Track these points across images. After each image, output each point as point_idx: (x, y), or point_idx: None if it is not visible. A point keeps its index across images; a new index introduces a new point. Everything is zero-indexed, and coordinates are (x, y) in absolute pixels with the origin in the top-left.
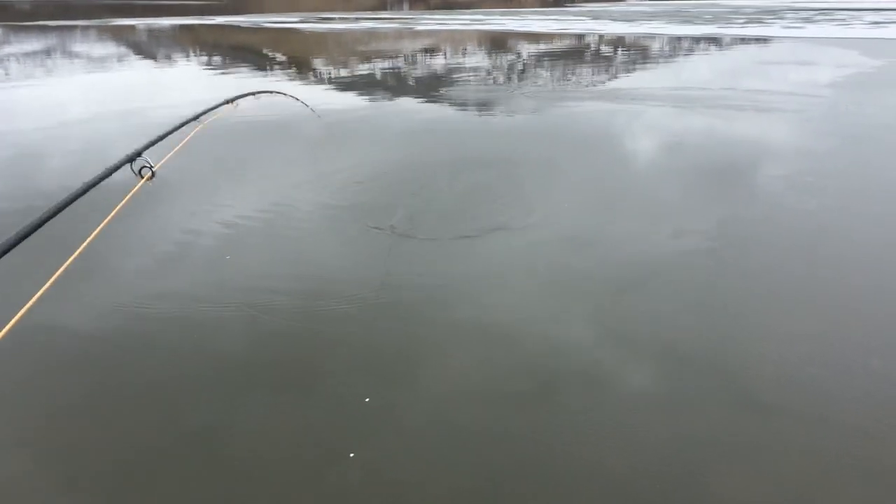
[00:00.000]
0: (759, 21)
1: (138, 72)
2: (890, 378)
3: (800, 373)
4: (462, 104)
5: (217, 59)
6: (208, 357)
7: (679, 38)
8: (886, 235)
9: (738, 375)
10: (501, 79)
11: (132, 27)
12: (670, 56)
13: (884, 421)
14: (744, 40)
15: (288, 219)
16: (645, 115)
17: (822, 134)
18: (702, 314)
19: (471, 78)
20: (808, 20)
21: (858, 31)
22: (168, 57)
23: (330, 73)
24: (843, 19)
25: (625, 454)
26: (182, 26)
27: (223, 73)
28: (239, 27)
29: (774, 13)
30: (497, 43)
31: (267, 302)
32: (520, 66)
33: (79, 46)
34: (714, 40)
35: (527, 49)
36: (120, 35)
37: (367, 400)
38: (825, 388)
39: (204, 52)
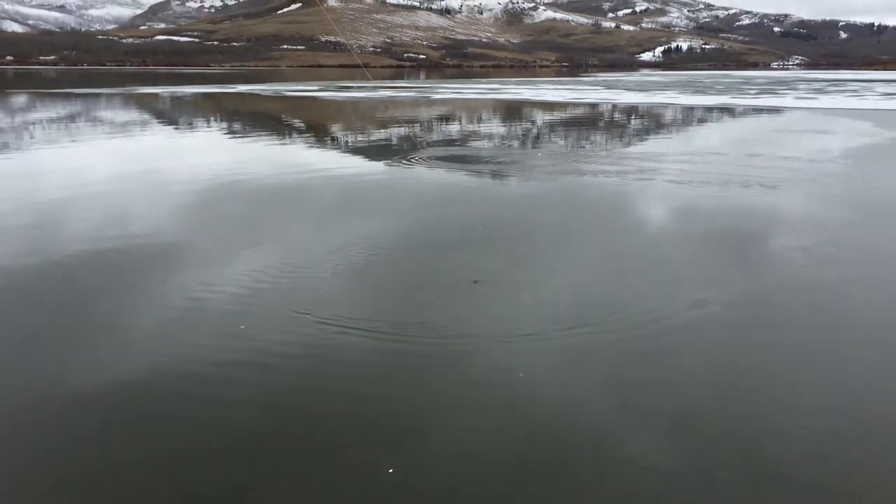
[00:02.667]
0: (772, 92)
1: (160, 137)
2: None
3: (826, 448)
4: (477, 172)
5: (238, 125)
6: (226, 426)
7: (693, 108)
8: None
9: (761, 449)
10: (516, 146)
11: (156, 95)
12: (684, 125)
13: None
14: (757, 110)
15: (300, 287)
16: (663, 184)
17: (840, 205)
18: (723, 386)
19: (486, 145)
20: (820, 91)
21: (871, 102)
22: (190, 124)
23: (348, 140)
24: (856, 90)
25: None
26: (204, 94)
27: (244, 139)
28: (260, 95)
29: (787, 84)
30: (512, 111)
31: (282, 370)
32: (534, 134)
33: (103, 113)
34: (728, 110)
35: (542, 117)
36: (144, 102)
37: (391, 471)
38: (853, 464)
39: (225, 119)
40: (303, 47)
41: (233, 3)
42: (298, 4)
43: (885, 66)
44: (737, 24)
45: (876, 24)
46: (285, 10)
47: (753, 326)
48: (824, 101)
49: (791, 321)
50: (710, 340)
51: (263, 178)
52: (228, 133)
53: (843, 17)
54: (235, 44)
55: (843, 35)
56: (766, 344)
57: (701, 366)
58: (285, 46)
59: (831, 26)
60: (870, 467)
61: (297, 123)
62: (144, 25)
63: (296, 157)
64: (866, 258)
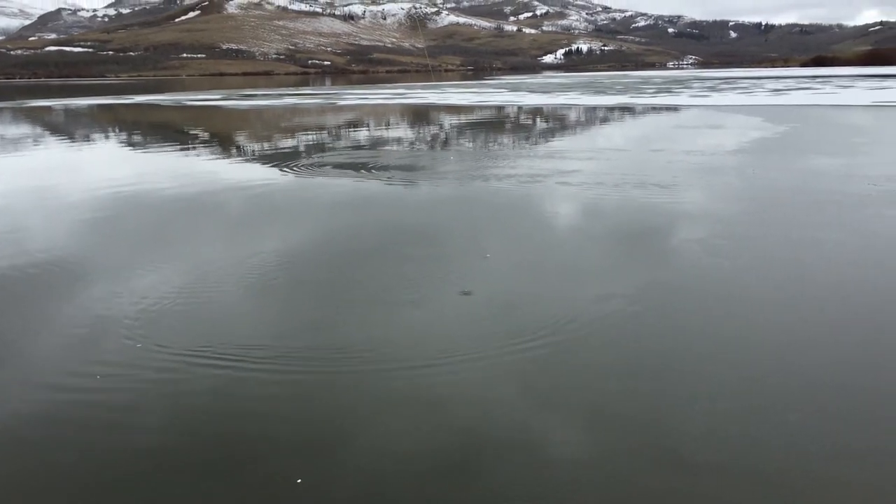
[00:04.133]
0: (669, 91)
1: (55, 152)
2: (807, 431)
3: (724, 430)
4: (387, 179)
5: (137, 137)
6: (130, 443)
7: (595, 108)
8: (798, 292)
9: (665, 435)
10: (424, 149)
11: (48, 108)
12: (586, 125)
13: (803, 472)
14: (655, 109)
15: (206, 299)
16: (564, 185)
17: (732, 199)
18: (628, 377)
19: (393, 150)
20: (713, 89)
21: (760, 98)
22: (86, 137)
23: (252, 149)
24: (746, 87)
25: None
26: (101, 106)
27: (143, 151)
28: (159, 105)
29: (682, 83)
30: (421, 116)
31: (189, 382)
32: (444, 138)
33: None
34: (628, 109)
35: (450, 121)
36: (36, 116)
37: (299, 481)
38: (748, 443)
39: (123, 131)
40: (203, 55)
41: (127, 11)
42: (197, 12)
43: (773, 63)
44: (633, 25)
45: (763, 23)
46: (184, 17)
47: (658, 317)
48: (717, 99)
49: (690, 310)
50: (616, 333)
51: (164, 191)
52: (126, 146)
53: (733, 17)
54: (132, 53)
55: (734, 34)
56: (669, 333)
57: (609, 358)
58: (185, 55)
59: (722, 26)
60: (766, 446)
61: (200, 134)
62: (34, 36)
63: (199, 168)
64: (757, 248)
